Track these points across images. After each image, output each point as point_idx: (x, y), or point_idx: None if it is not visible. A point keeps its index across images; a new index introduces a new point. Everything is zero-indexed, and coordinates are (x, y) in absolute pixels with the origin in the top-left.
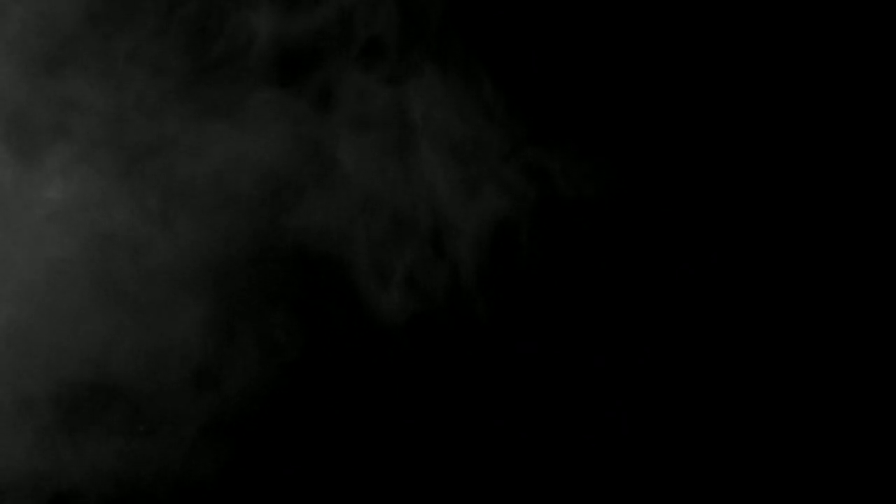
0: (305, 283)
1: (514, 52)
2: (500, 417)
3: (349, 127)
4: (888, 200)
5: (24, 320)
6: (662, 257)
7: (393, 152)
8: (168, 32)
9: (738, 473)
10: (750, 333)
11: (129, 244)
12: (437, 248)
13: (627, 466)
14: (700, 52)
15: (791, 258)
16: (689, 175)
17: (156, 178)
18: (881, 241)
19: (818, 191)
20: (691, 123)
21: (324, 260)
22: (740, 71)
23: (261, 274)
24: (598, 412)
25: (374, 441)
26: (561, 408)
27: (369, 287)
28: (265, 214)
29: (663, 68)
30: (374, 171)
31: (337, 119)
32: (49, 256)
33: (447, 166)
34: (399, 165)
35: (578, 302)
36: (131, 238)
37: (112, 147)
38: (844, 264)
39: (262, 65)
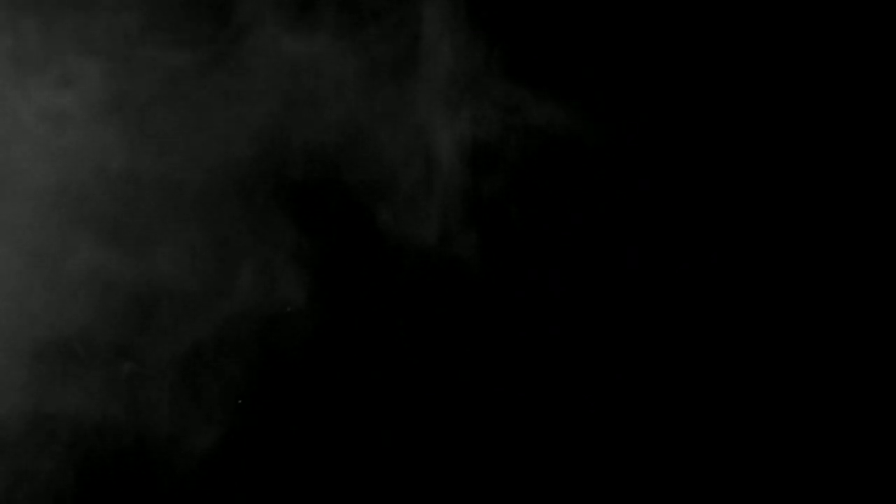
0: (304, 205)
1: None
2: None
3: (344, 55)
4: (888, 193)
5: (16, 255)
6: (643, 199)
7: (388, 80)
8: None
9: (731, 451)
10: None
11: (124, 176)
12: (427, 172)
13: (617, 419)
14: (701, 15)
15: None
16: (668, 115)
17: (150, 111)
18: (881, 237)
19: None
20: (679, 75)
21: (320, 183)
22: (742, 54)
23: (259, 198)
24: (589, 361)
25: (374, 365)
26: (554, 362)
27: (363, 206)
28: (264, 141)
29: (662, 36)
30: (369, 96)
31: (331, 47)
32: (39, 188)
33: (439, 93)
34: (394, 93)
35: (563, 238)
36: (126, 170)
37: (105, 81)
38: (843, 257)
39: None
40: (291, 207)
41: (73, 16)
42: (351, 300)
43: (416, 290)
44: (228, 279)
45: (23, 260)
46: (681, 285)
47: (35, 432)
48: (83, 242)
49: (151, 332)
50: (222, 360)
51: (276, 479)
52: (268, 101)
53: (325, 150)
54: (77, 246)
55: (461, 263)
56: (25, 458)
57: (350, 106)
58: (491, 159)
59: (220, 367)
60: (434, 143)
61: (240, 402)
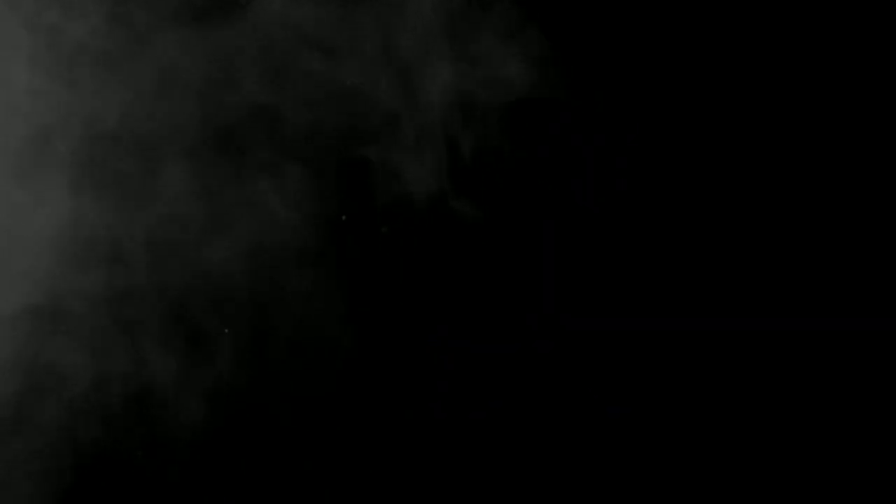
0: (295, 153)
1: None
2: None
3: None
4: (887, 187)
5: (6, 208)
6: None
7: (375, 30)
8: None
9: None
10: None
11: (120, 128)
12: (418, 122)
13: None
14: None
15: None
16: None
17: (144, 64)
18: (880, 231)
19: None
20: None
21: (311, 134)
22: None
23: (251, 148)
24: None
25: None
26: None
27: (356, 156)
28: (255, 94)
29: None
30: (357, 49)
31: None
32: (31, 139)
33: (427, 45)
34: (381, 44)
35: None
36: (121, 122)
37: (99, 35)
38: (851, 240)
39: None
40: (282, 155)
41: None
42: (345, 246)
43: (410, 236)
44: (222, 226)
45: (13, 213)
46: (672, 232)
47: (34, 385)
48: (77, 195)
49: (148, 280)
50: (219, 305)
51: (275, 422)
52: (259, 56)
53: (316, 102)
54: (70, 198)
55: (455, 211)
56: (25, 411)
57: (341, 60)
58: (480, 110)
59: (218, 312)
60: (422, 95)
61: (226, 331)
